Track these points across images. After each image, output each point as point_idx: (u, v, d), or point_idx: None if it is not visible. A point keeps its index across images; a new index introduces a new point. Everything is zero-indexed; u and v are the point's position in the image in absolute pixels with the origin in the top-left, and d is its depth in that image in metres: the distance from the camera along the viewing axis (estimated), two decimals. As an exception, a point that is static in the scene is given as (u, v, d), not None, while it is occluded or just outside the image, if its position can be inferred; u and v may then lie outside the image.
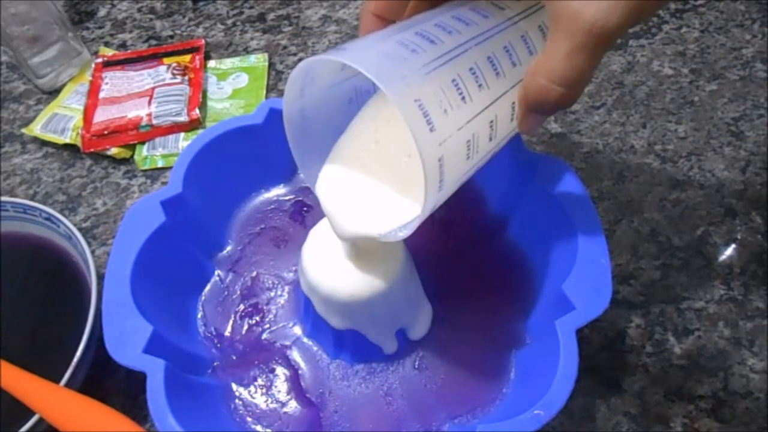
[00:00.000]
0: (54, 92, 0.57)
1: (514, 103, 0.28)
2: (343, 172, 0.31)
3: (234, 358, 0.39)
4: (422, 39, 0.26)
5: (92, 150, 0.52)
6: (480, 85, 0.27)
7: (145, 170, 0.52)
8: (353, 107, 0.33)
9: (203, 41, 0.59)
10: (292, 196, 0.45)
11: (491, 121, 0.28)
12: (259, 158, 0.42)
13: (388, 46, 0.26)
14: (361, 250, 0.34)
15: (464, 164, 0.27)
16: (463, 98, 0.26)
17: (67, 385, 0.36)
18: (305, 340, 0.40)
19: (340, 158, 0.32)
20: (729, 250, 0.45)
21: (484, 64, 0.27)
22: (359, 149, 0.32)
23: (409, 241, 0.30)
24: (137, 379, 0.33)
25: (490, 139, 0.28)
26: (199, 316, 0.41)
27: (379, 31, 0.28)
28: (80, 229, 0.43)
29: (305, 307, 0.39)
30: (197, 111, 0.53)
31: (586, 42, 0.24)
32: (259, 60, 0.58)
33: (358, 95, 0.32)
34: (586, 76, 0.26)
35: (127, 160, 0.52)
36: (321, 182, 0.32)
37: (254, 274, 0.42)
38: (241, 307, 0.41)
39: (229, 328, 0.40)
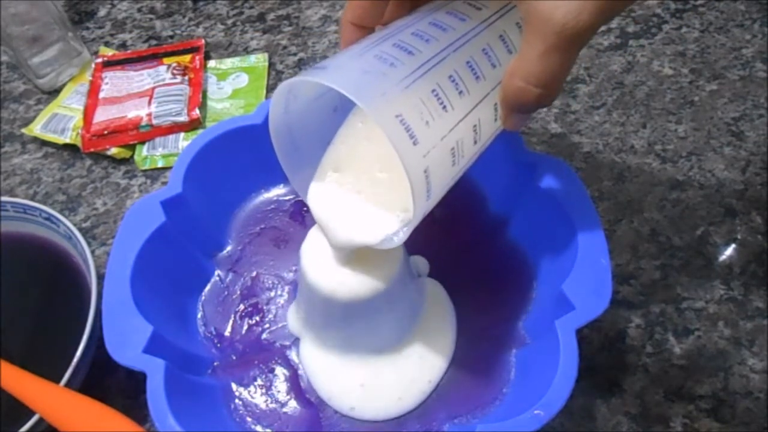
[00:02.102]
0: (54, 92, 0.57)
1: (497, 103, 0.28)
2: (334, 182, 0.32)
3: (234, 358, 0.39)
4: (400, 51, 0.26)
5: (92, 150, 0.52)
6: (461, 92, 0.27)
7: (145, 170, 0.52)
8: (339, 116, 0.33)
9: (203, 41, 0.59)
10: (292, 196, 0.45)
11: (475, 126, 0.28)
12: (259, 158, 0.42)
13: (367, 62, 0.26)
14: (359, 254, 0.34)
15: (450, 170, 0.28)
16: (445, 107, 0.26)
17: (67, 385, 0.36)
18: (305, 340, 0.40)
19: (330, 169, 0.32)
20: (729, 250, 0.45)
21: (463, 70, 0.27)
22: (347, 159, 0.32)
23: (409, 242, 0.30)
24: (137, 379, 0.33)
25: (475, 143, 0.28)
26: (199, 316, 0.41)
27: (359, 43, 0.28)
28: (80, 229, 0.43)
29: (305, 307, 0.39)
30: (197, 111, 0.53)
31: (559, 43, 0.25)
32: (259, 60, 0.58)
33: (343, 103, 0.32)
34: (562, 76, 0.26)
35: (127, 160, 0.52)
36: (312, 194, 0.32)
37: (254, 274, 0.42)
38: (241, 307, 0.41)
39: (229, 328, 0.40)
